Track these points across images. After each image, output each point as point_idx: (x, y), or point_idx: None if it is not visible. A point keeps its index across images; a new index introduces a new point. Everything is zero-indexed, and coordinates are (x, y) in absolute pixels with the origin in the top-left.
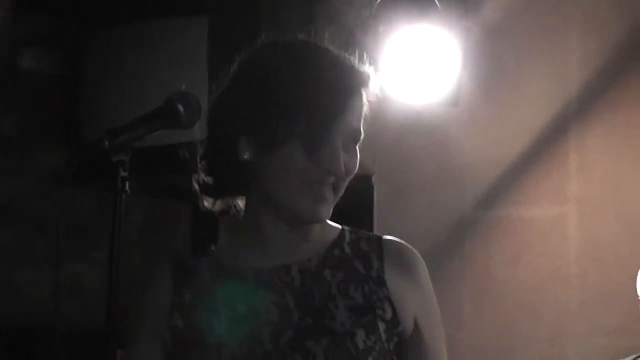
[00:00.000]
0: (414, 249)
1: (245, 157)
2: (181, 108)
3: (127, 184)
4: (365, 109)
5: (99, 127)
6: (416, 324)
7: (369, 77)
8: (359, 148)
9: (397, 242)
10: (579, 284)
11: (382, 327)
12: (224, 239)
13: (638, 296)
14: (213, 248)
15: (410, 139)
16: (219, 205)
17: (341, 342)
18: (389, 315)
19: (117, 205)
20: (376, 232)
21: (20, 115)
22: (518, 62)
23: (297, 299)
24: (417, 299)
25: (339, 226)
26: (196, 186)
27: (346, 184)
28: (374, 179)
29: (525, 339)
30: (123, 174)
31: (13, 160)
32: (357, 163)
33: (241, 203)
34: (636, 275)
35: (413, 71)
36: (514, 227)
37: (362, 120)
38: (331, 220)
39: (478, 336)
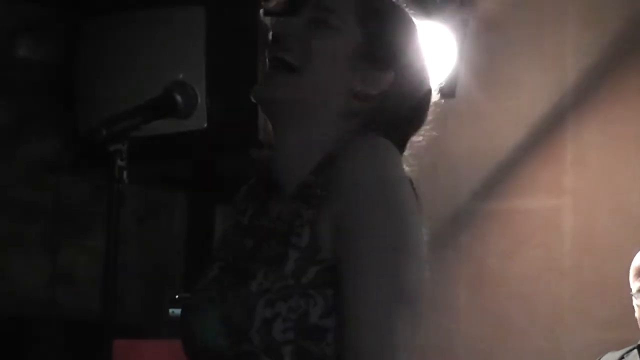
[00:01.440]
0: (380, 145)
1: None
2: (179, 98)
3: (124, 173)
4: None
5: (94, 116)
6: (338, 226)
7: None
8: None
9: (363, 139)
10: (573, 276)
11: (293, 256)
12: None
13: (631, 290)
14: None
15: None
16: None
17: (237, 287)
18: (304, 241)
19: (114, 195)
20: None
21: (15, 103)
22: (514, 54)
23: (255, 241)
24: (345, 201)
25: (364, 140)
26: None
27: (293, 60)
28: None
29: (519, 330)
30: (120, 163)
31: (8, 148)
32: (318, 44)
33: None
34: (629, 267)
35: None
36: (509, 219)
37: (336, 6)
38: None
39: (472, 327)
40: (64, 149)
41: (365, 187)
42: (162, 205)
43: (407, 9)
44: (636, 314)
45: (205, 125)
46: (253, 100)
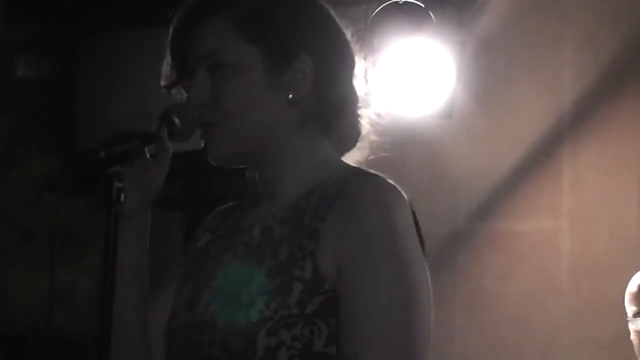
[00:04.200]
0: (385, 186)
1: None
2: (177, 120)
3: (122, 195)
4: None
5: (94, 135)
6: (341, 274)
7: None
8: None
9: (365, 180)
10: (570, 297)
11: (297, 288)
12: None
13: (626, 314)
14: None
15: (404, 151)
16: None
17: (235, 315)
18: (307, 274)
19: (112, 216)
20: None
21: (13, 121)
22: (512, 76)
23: (240, 262)
24: (350, 242)
25: (344, 166)
26: None
27: (225, 116)
28: None
29: (516, 351)
30: (118, 184)
31: (6, 167)
32: (226, 93)
33: None
34: (626, 289)
35: (407, 84)
36: (506, 240)
37: (219, 45)
38: None
39: (469, 348)
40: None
41: (373, 236)
42: (160, 225)
43: None
44: (632, 338)
45: (202, 145)
46: (212, 162)
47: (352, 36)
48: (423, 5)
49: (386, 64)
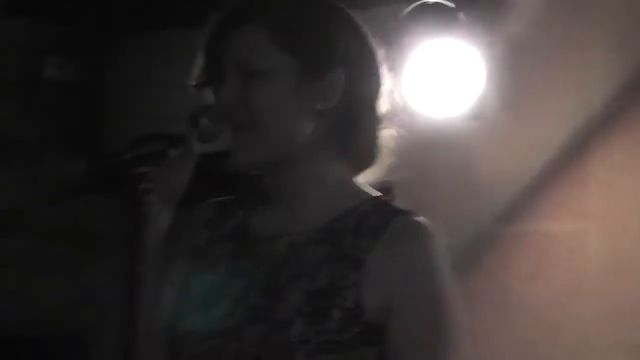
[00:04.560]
0: (426, 228)
1: None
2: (205, 123)
3: (148, 196)
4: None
5: (121, 136)
6: (390, 310)
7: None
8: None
9: (409, 220)
10: (599, 300)
11: (337, 315)
12: None
13: None
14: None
15: (432, 152)
16: None
17: (274, 330)
18: (349, 303)
19: (137, 218)
20: None
21: (41, 123)
22: (541, 77)
23: (267, 274)
24: (398, 281)
25: (371, 194)
26: None
27: (257, 120)
28: (394, 192)
29: (544, 355)
30: (143, 186)
31: (33, 168)
32: (257, 98)
33: None
34: None
35: (436, 84)
36: (533, 242)
37: (254, 52)
38: None
39: (496, 352)
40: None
41: (421, 277)
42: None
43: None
44: None
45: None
46: (233, 171)
47: (384, 51)
48: (453, 6)
49: (415, 64)
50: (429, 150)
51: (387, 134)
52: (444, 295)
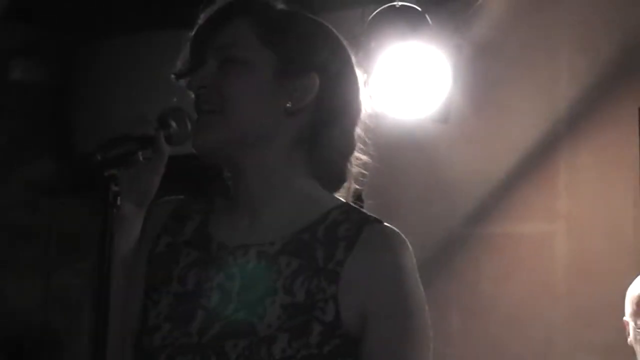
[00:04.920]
0: (397, 237)
1: None
2: (174, 124)
3: (118, 198)
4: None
5: (90, 139)
6: (364, 318)
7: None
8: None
9: (380, 229)
10: (567, 301)
11: (317, 329)
12: None
13: (624, 317)
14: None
15: (401, 154)
16: None
17: (256, 347)
18: (329, 317)
19: (108, 219)
20: None
21: (10, 126)
22: (508, 80)
23: (241, 286)
24: (371, 290)
25: (339, 202)
26: None
27: (221, 102)
28: (363, 194)
29: (512, 355)
30: (114, 188)
31: (3, 171)
32: (231, 85)
33: None
34: (623, 292)
35: (404, 87)
36: (502, 243)
37: (237, 41)
38: None
39: (466, 352)
40: (59, 172)
41: (394, 285)
42: None
43: (307, 12)
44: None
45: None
46: (195, 150)
47: (358, 62)
48: (420, 9)
49: (382, 67)
50: (397, 152)
51: (357, 158)
52: (415, 301)
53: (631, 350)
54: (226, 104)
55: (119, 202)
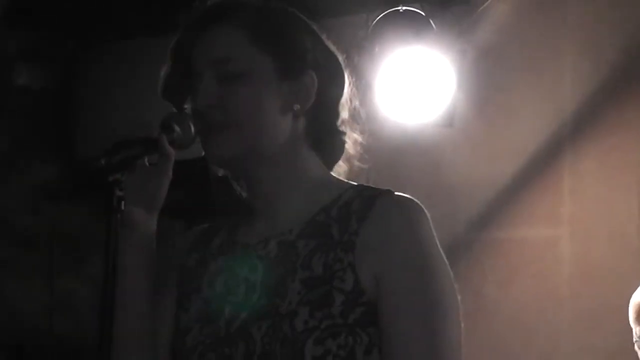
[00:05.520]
0: (411, 203)
1: None
2: (177, 128)
3: (122, 203)
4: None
5: (93, 143)
6: (383, 285)
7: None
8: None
9: (393, 197)
10: (571, 305)
11: (339, 299)
12: None
13: (630, 323)
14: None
15: (405, 158)
16: None
17: (278, 325)
18: (349, 285)
19: (112, 224)
20: None
21: (13, 130)
22: (512, 84)
23: (264, 275)
24: (388, 256)
25: (351, 184)
26: None
27: (227, 119)
28: None
29: (517, 358)
30: (118, 193)
31: (6, 175)
32: (235, 99)
33: None
34: (627, 296)
35: (408, 91)
36: (506, 248)
37: (234, 53)
38: None
39: (469, 355)
40: (62, 176)
41: (409, 250)
42: (161, 233)
43: (293, 11)
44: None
45: (203, 154)
46: (210, 162)
47: (344, 60)
48: (424, 14)
49: (387, 71)
50: (401, 156)
51: (354, 136)
52: (433, 264)
53: (635, 356)
54: (235, 118)
55: (123, 207)
